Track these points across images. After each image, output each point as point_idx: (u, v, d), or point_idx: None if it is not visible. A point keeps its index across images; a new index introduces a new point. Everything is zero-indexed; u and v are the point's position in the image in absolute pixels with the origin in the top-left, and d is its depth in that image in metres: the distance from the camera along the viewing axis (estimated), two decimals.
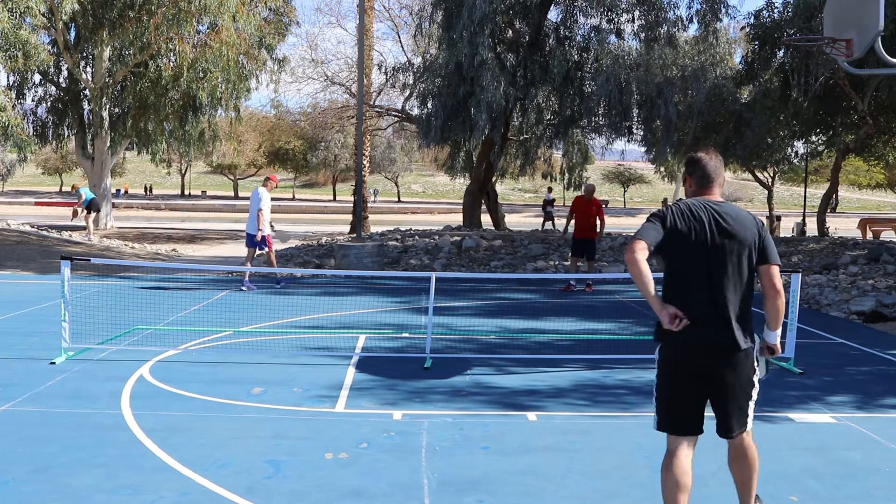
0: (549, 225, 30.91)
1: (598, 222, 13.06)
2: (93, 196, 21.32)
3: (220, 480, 4.44)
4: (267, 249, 12.75)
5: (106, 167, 26.11)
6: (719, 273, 3.52)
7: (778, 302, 3.57)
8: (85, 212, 20.98)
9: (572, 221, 13.20)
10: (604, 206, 13.69)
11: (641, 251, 3.47)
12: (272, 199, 13.09)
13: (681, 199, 3.83)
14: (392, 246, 17.82)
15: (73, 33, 24.79)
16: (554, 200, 33.15)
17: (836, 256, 16.25)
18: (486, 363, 7.67)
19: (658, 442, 5.22)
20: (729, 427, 3.64)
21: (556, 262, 16.22)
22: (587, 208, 13.08)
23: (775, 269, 3.59)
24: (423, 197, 76.16)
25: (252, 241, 12.60)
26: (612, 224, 33.86)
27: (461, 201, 25.69)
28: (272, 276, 13.89)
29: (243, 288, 12.52)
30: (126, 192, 69.65)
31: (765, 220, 31.86)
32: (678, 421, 3.63)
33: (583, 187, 14.65)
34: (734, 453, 3.75)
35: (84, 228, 21.87)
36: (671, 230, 3.55)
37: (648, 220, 3.66)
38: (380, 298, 11.99)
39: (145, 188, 74.14)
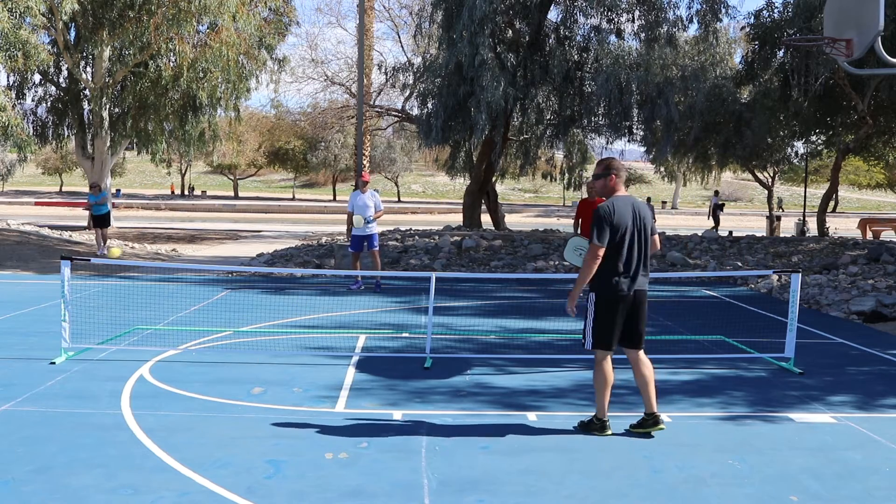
0: (721, 231, 28.63)
1: None
2: (97, 200, 18.32)
3: (220, 480, 4.44)
4: (355, 251, 12.70)
5: (106, 167, 26.08)
6: (640, 243, 5.28)
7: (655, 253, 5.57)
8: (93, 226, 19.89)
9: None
10: None
11: (601, 256, 5.19)
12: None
13: (614, 196, 5.34)
14: (392, 246, 17.80)
15: (73, 33, 24.74)
16: (723, 205, 30.64)
17: (836, 256, 16.24)
18: (486, 363, 7.67)
19: (657, 442, 5.25)
20: (639, 342, 5.35)
21: (556, 262, 16.21)
22: (592, 209, 12.78)
23: (658, 237, 5.53)
24: (423, 197, 75.94)
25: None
26: None
27: (461, 201, 25.65)
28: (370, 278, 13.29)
29: (374, 288, 12.82)
30: (172, 192, 69.45)
31: (765, 220, 31.83)
32: (610, 341, 5.28)
33: (584, 188, 14.32)
34: (636, 363, 5.37)
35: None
36: (617, 225, 5.17)
37: (600, 223, 5.17)
38: (380, 298, 11.99)
39: (190, 188, 73.33)
